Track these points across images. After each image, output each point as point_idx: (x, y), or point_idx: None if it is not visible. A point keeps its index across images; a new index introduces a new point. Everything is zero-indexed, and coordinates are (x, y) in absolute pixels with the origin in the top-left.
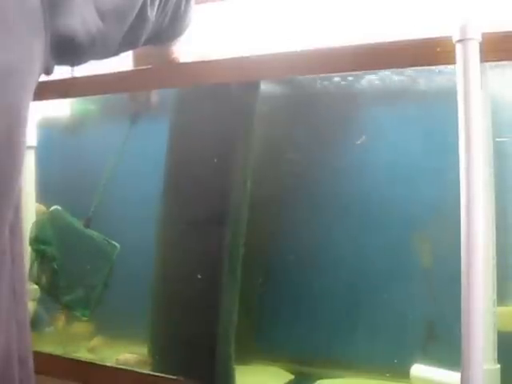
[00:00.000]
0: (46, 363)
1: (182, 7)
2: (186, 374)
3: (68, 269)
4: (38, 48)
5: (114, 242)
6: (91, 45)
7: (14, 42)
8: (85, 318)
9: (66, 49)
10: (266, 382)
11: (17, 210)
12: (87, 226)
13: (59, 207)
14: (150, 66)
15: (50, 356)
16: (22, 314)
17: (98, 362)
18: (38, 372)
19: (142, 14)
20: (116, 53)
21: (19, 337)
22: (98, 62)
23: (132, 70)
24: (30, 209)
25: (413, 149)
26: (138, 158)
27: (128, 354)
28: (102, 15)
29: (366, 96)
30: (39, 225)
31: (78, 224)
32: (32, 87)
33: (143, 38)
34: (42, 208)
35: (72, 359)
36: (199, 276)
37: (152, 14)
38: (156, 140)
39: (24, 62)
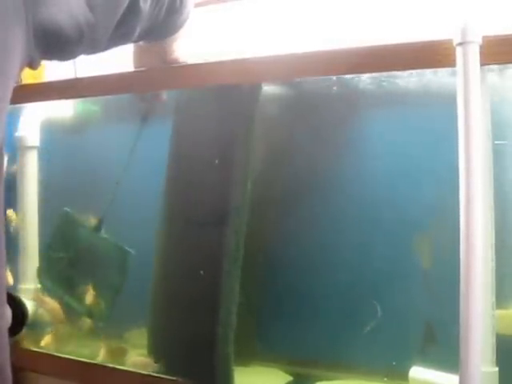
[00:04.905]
0: (44, 363)
1: (178, 1)
2: (185, 374)
3: (82, 274)
4: (18, 37)
5: (126, 248)
6: (79, 37)
7: None
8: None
9: (52, 41)
10: (265, 383)
11: None
12: (98, 229)
13: (68, 209)
14: (152, 68)
15: (49, 356)
16: (1, 320)
17: (96, 363)
18: (37, 372)
19: (134, 5)
20: (108, 47)
21: None
22: (101, 63)
23: (135, 72)
24: (33, 209)
25: (413, 151)
26: (141, 160)
27: (137, 357)
28: (90, 5)
29: (367, 98)
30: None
31: (89, 227)
32: (10, 76)
33: (137, 32)
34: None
35: (71, 359)
36: (201, 272)
37: (145, 6)
38: (158, 141)
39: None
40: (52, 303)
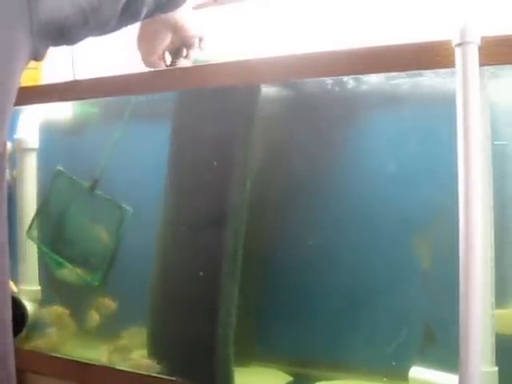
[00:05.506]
0: (44, 364)
1: None
2: (184, 375)
3: (75, 233)
4: (22, 33)
5: (124, 205)
6: (84, 23)
7: None
8: (96, 283)
9: (59, 31)
10: (265, 383)
11: (1, 199)
12: (93, 188)
13: (61, 168)
14: (151, 70)
15: (48, 356)
16: (4, 311)
17: (95, 363)
18: (36, 372)
19: None
20: (115, 28)
21: (1, 335)
22: (101, 65)
23: (134, 73)
24: (31, 211)
25: (412, 151)
26: (141, 160)
27: (140, 359)
28: None
29: (366, 99)
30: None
31: (84, 186)
32: (17, 71)
33: (144, 12)
34: None
35: (70, 360)
36: (201, 273)
37: None
38: (158, 142)
39: (5, 48)
40: (58, 308)
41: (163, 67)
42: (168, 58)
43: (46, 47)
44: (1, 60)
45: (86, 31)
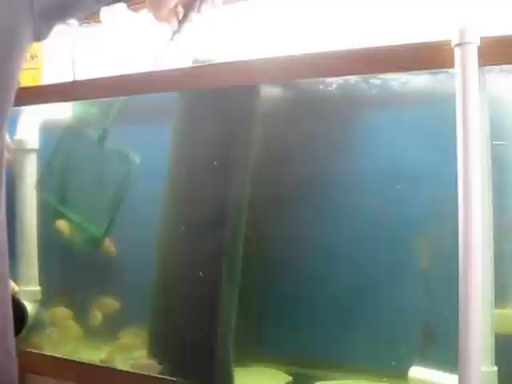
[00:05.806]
0: (44, 364)
1: None
2: (184, 375)
3: (82, 186)
4: (23, 15)
5: (131, 156)
6: None
7: None
8: (99, 236)
9: (59, 8)
10: (265, 383)
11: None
12: (103, 139)
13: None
14: (151, 70)
15: (48, 356)
16: (6, 309)
17: (95, 363)
18: (36, 372)
19: None
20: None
21: (2, 334)
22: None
23: (134, 74)
24: (33, 211)
25: (412, 151)
26: (142, 161)
27: (141, 359)
28: None
29: (366, 99)
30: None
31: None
32: (20, 53)
33: None
34: None
35: (70, 360)
36: (200, 273)
37: None
38: (159, 143)
39: (6, 30)
40: (60, 309)
41: (174, 22)
42: (180, 12)
43: (49, 25)
44: (3, 42)
45: (88, 5)
